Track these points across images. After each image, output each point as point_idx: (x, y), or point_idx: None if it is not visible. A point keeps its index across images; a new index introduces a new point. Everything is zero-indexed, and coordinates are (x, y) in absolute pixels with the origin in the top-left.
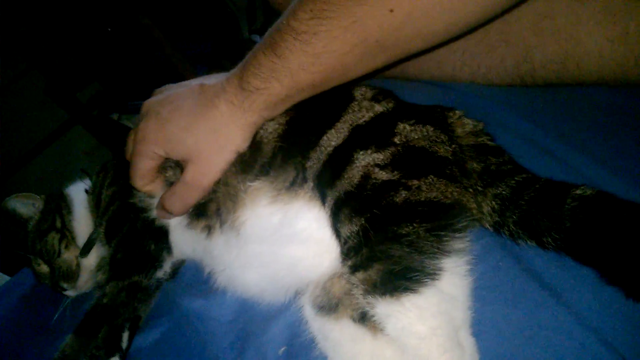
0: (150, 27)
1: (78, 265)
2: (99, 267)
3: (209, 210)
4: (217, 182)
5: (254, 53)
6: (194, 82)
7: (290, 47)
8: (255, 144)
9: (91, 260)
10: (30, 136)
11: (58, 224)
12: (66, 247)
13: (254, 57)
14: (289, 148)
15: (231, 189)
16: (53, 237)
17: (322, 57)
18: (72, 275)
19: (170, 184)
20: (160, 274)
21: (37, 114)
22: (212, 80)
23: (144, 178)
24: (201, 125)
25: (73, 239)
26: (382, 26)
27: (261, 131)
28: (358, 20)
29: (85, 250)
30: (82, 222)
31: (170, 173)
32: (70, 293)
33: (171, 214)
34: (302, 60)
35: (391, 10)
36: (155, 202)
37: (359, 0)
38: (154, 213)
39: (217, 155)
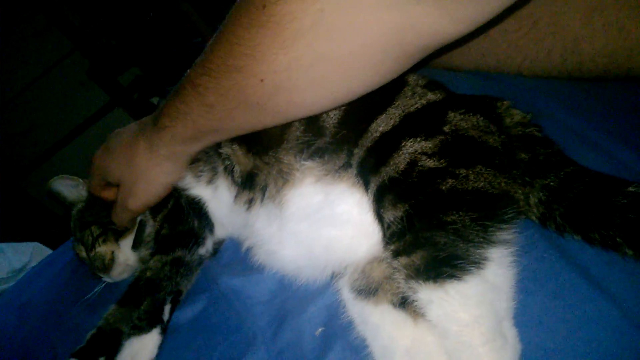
0: (190, 13)
1: (112, 259)
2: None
3: (256, 183)
4: (270, 157)
5: (169, 95)
6: (141, 120)
7: (189, 95)
8: (317, 127)
9: (126, 254)
10: (71, 117)
11: (104, 219)
12: (104, 241)
13: (167, 99)
14: (345, 134)
15: (285, 166)
16: (93, 231)
17: (215, 108)
18: (104, 268)
19: None
20: (202, 250)
21: (79, 95)
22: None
23: (96, 190)
24: (123, 158)
25: (113, 235)
26: (257, 93)
27: (324, 115)
28: (237, 84)
29: (137, 243)
30: None
31: None
32: (107, 280)
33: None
34: (200, 109)
35: (262, 80)
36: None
37: (236, 67)
38: (193, 192)
39: (138, 183)
